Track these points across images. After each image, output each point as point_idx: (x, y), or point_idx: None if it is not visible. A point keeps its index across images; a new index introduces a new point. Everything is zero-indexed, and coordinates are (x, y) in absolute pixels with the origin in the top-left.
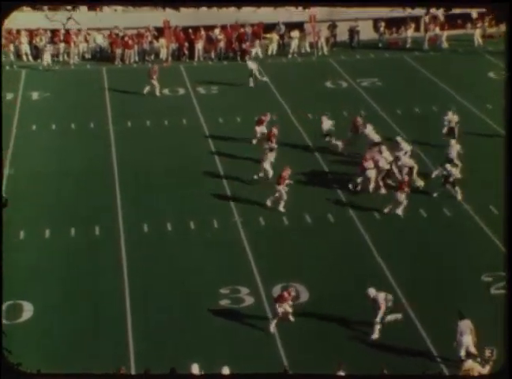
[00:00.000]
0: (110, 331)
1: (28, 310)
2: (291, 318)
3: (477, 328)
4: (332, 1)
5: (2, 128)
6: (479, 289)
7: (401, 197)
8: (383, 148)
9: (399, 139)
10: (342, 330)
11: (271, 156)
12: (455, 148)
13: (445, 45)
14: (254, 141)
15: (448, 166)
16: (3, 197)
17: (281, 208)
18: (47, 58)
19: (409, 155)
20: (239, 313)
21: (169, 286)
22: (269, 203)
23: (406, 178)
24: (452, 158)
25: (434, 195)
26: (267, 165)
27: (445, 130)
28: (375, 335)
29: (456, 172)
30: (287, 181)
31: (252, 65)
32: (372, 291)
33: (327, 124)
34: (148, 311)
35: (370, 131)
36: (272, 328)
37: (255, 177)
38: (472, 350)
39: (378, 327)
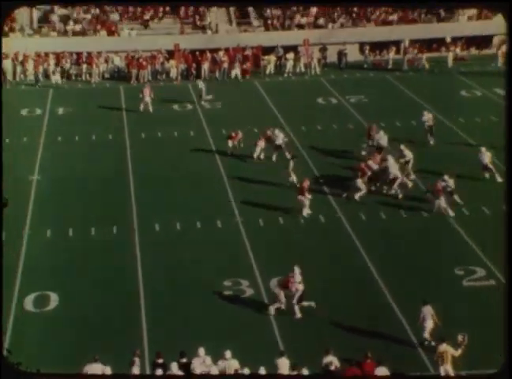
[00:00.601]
0: (126, 318)
1: (54, 300)
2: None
3: (451, 315)
4: (336, 0)
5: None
6: (452, 281)
7: (437, 202)
8: (389, 156)
9: (402, 147)
10: (331, 317)
11: (292, 163)
12: (487, 155)
13: (426, 66)
14: (229, 152)
15: (446, 177)
16: (3, 197)
17: (304, 214)
18: (56, 78)
19: (412, 162)
20: (241, 303)
21: (178, 278)
22: (304, 213)
23: (439, 185)
24: (485, 164)
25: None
26: (290, 171)
27: (426, 127)
28: (298, 315)
29: (452, 183)
30: (308, 196)
31: (201, 84)
32: (296, 270)
33: (280, 137)
34: (160, 301)
35: (381, 136)
36: (273, 310)
37: (291, 180)
38: (430, 333)
39: (297, 307)
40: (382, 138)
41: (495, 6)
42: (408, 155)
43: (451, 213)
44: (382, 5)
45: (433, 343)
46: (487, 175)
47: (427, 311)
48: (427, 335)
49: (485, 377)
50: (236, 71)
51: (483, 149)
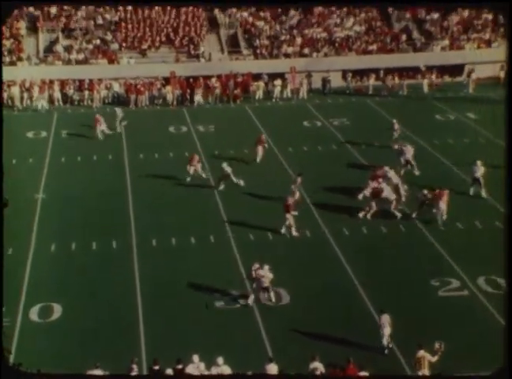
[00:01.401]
0: (125, 327)
1: (57, 311)
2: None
3: (427, 322)
4: (335, 1)
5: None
6: (429, 291)
7: (443, 205)
8: (390, 173)
9: (391, 173)
10: (315, 326)
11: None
12: (481, 169)
13: (405, 92)
14: (188, 179)
15: (425, 191)
16: (4, 197)
17: (294, 233)
18: (42, 103)
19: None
20: (232, 312)
21: (174, 290)
22: (283, 230)
23: (438, 192)
24: (478, 177)
25: (413, 216)
26: (296, 187)
27: (397, 136)
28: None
29: (430, 196)
30: (293, 212)
31: (118, 111)
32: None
33: (228, 169)
34: (157, 311)
35: (408, 150)
36: (251, 301)
37: (295, 197)
38: (387, 340)
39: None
40: (409, 152)
41: (494, 6)
42: (395, 179)
43: (440, 221)
44: (385, 5)
45: (391, 346)
46: (471, 191)
47: (385, 319)
48: (385, 341)
49: (485, 377)
50: (199, 97)
51: (479, 162)
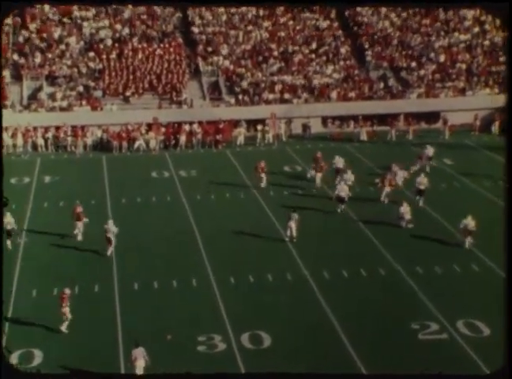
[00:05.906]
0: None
1: (38, 356)
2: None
3: (407, 365)
4: (336, 0)
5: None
6: (409, 335)
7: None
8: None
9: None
10: (295, 367)
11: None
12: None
13: (393, 138)
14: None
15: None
16: (3, 197)
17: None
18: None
19: None
20: (214, 357)
21: (155, 334)
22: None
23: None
24: (430, 156)
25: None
26: (292, 224)
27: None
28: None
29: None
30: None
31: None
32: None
33: None
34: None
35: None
36: (64, 328)
37: (286, 238)
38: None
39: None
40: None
41: (495, 6)
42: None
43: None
44: (384, 5)
45: None
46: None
47: (139, 352)
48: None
49: (485, 377)
50: (141, 142)
51: (429, 146)
